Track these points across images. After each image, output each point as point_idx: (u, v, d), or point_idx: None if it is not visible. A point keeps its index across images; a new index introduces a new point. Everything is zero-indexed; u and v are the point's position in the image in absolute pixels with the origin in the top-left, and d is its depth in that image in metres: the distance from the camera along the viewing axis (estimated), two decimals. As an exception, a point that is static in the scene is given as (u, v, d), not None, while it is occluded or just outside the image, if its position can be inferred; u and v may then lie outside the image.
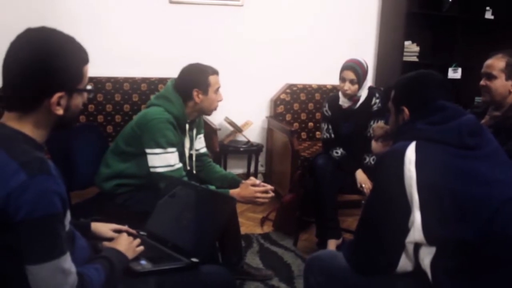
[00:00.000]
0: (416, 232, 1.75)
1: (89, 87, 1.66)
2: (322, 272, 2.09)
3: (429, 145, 1.83)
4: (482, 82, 2.90)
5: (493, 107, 2.93)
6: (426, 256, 1.77)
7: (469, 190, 1.78)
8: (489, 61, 2.89)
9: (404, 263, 1.83)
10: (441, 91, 2.00)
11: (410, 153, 1.80)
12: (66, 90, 1.55)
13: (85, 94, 1.67)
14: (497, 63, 2.85)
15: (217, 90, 2.99)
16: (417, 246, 1.79)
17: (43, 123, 1.57)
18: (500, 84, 2.83)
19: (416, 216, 1.74)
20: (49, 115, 1.55)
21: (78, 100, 1.63)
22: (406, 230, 1.78)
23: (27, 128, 1.54)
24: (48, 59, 1.52)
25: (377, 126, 2.47)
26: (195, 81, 2.94)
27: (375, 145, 2.41)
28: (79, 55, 1.61)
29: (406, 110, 2.01)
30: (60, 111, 1.55)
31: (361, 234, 1.99)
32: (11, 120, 1.55)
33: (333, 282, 2.06)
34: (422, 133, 1.87)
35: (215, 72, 3.00)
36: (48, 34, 1.57)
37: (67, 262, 1.48)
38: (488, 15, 5.52)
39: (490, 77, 2.85)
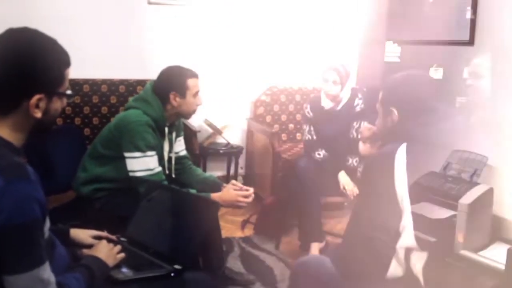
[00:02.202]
0: (407, 237, 1.72)
1: (69, 92, 1.61)
2: (309, 278, 2.05)
3: (419, 146, 1.80)
4: None
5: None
6: (418, 261, 1.74)
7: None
8: None
9: (395, 269, 1.80)
10: (431, 91, 1.97)
11: (401, 155, 1.76)
12: (46, 93, 1.50)
13: (65, 99, 1.61)
14: None
15: (196, 94, 2.93)
16: (408, 251, 1.76)
17: (21, 126, 1.51)
18: None
19: (408, 221, 1.71)
20: (27, 118, 1.50)
21: (58, 104, 1.58)
22: (397, 234, 1.75)
23: (4, 131, 1.49)
24: (29, 60, 1.48)
25: (365, 127, 2.43)
26: (173, 83, 2.88)
27: (363, 147, 2.38)
28: (61, 57, 1.56)
29: (395, 111, 1.97)
30: (38, 114, 1.50)
31: (350, 238, 1.95)
32: (-13, 124, 1.49)
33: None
34: (412, 134, 1.84)
35: (194, 75, 2.93)
36: (30, 35, 1.53)
37: (46, 271, 1.44)
38: (468, 15, 5.53)
39: None
